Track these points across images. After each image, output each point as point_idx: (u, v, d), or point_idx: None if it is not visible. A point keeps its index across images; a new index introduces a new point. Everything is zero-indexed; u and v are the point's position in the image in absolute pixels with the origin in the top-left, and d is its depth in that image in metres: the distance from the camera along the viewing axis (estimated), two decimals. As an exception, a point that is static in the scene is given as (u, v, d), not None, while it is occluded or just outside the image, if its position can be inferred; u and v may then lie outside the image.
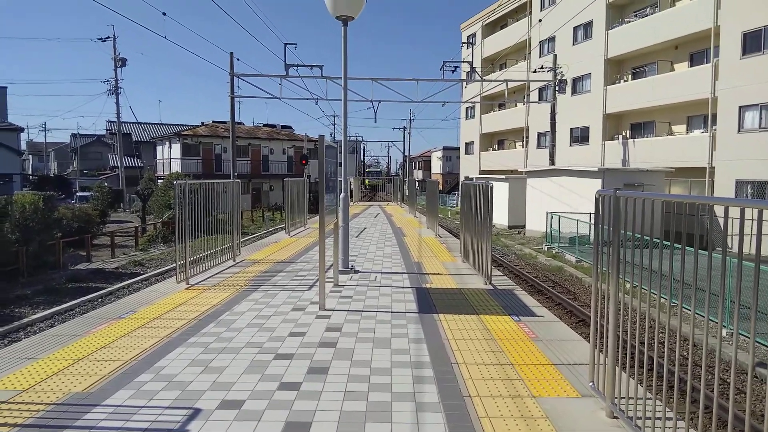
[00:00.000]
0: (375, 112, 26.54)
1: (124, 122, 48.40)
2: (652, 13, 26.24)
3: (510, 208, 27.60)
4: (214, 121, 44.94)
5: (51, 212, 17.16)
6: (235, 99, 26.07)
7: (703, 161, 22.50)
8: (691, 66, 24.38)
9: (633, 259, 3.13)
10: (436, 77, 22.57)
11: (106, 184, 37.66)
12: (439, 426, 3.26)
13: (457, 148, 53.27)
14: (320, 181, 6.18)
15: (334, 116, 61.90)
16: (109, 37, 41.18)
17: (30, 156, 66.03)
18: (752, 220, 2.69)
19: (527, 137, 36.74)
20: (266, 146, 42.97)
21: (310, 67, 21.33)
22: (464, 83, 38.31)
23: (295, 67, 21.35)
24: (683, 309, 2.87)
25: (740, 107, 20.47)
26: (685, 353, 8.51)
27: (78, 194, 39.30)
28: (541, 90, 33.14)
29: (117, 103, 42.92)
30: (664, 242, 2.97)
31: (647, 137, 26.61)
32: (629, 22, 27.32)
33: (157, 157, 43.17)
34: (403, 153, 64.72)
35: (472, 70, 23.19)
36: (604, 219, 3.37)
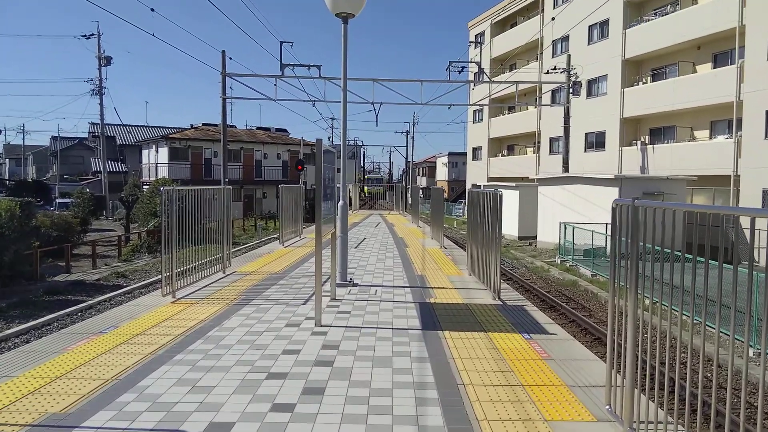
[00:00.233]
0: (376, 115, 26.67)
1: (108, 124, 48.62)
2: (672, 11, 26.42)
3: (520, 218, 27.60)
4: (204, 124, 45.15)
5: (28, 220, 17.19)
6: (227, 100, 26.18)
7: (728, 169, 22.52)
8: (714, 67, 24.49)
9: (653, 273, 3.13)
10: (441, 78, 22.74)
11: (87, 190, 37.77)
12: (444, 452, 3.25)
13: (464, 154, 53.42)
14: (317, 188, 6.20)
15: (333, 119, 62.22)
16: (93, 34, 41.52)
17: (7, 160, 66.34)
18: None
19: (539, 142, 36.83)
20: (260, 150, 43.13)
21: (307, 66, 21.46)
22: (472, 85, 38.57)
23: (292, 67, 21.49)
24: (707, 327, 2.86)
25: (767, 112, 20.54)
26: (709, 374, 8.46)
27: (57, 200, 39.40)
28: (553, 92, 33.27)
29: (101, 104, 43.23)
30: (686, 255, 2.97)
31: (668, 143, 26.67)
32: (648, 20, 27.50)
33: (143, 162, 43.32)
34: (406, 158, 64.87)
35: (480, 70, 23.31)
36: (621, 230, 3.37)
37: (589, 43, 31.03)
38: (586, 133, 31.12)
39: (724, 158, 22.80)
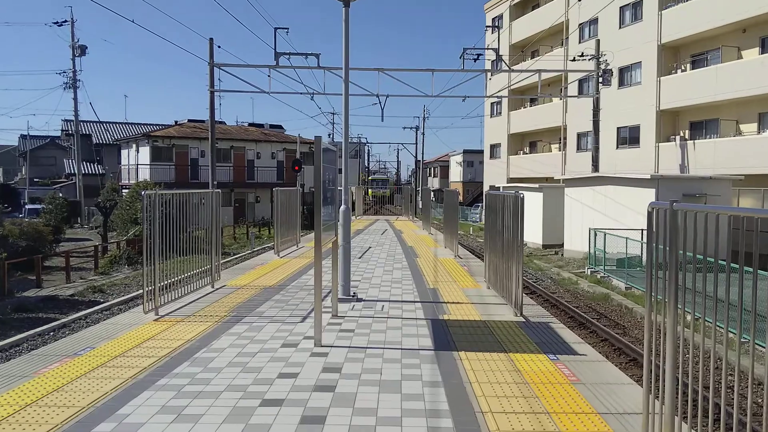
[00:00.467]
0: (382, 109, 26.73)
1: (83, 121, 48.99)
2: (714, -10, 26.37)
3: (545, 224, 27.52)
4: (189, 120, 45.41)
5: (-5, 228, 17.32)
6: (216, 94, 26.31)
7: (779, 167, 22.38)
8: (762, 53, 24.39)
9: (694, 285, 3.11)
10: (454, 67, 22.77)
11: (60, 194, 38.03)
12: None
13: (481, 152, 53.43)
14: (316, 191, 6.22)
15: (333, 113, 62.43)
16: (66, 21, 41.93)
17: (-29, 161, 66.90)
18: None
19: (565, 138, 36.79)
20: (252, 149, 43.32)
21: (304, 55, 21.54)
22: (489, 74, 38.57)
23: (287, 56, 21.58)
24: (756, 345, 2.84)
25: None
26: (759, 400, 8.39)
27: (27, 207, 39.68)
28: (581, 82, 33.25)
29: (75, 99, 43.54)
30: (732, 265, 2.96)
31: (710, 138, 26.56)
32: (687, 0, 27.47)
33: (122, 163, 43.60)
34: (416, 157, 65.00)
35: (498, 58, 23.33)
36: (658, 237, 3.36)
37: (620, 27, 31.01)
38: (618, 128, 31.05)
39: (775, 155, 22.67)
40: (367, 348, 5.98)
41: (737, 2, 24.59)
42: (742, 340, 9.18)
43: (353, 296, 8.50)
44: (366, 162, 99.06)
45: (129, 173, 40.93)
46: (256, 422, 4.11)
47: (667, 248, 3.30)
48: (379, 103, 23.97)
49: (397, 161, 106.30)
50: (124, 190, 36.05)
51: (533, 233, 27.46)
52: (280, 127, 54.01)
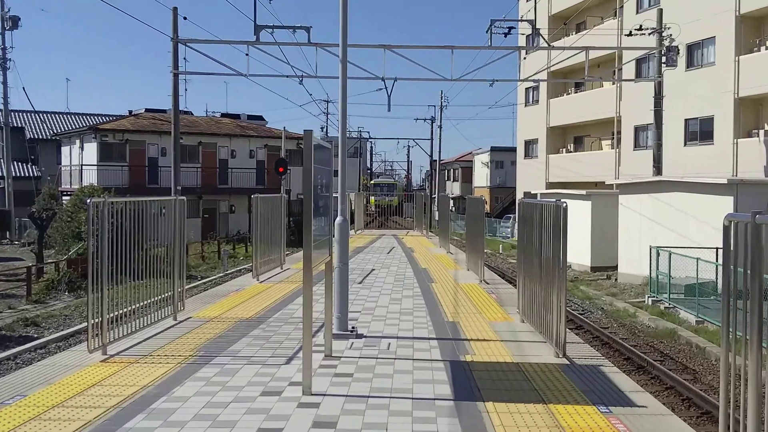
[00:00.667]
0: (388, 96, 26.77)
1: (14, 111, 49.29)
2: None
3: (594, 241, 27.44)
4: (147, 110, 45.70)
5: None
6: (180, 76, 26.46)
7: None
8: None
9: (783, 318, 3.09)
10: (479, 44, 22.83)
11: (-15, 202, 38.22)
12: None
13: (513, 149, 53.47)
14: (306, 199, 6.23)
15: (328, 101, 62.71)
16: (-5, -13, 42.32)
17: None
18: None
19: (619, 133, 36.78)
20: (225, 146, 43.53)
21: (291, 29, 21.70)
22: (523, 53, 38.64)
23: (270, 30, 21.73)
24: None
25: None
26: None
27: (-57, 218, 39.89)
28: (639, 62, 33.30)
29: (4, 83, 43.87)
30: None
31: (803, 132, 26.48)
32: (771, -41, 27.52)
33: (63, 163, 43.83)
34: (431, 156, 65.14)
35: (535, 32, 23.41)
36: (737, 257, 3.35)
37: (688, -7, 31.09)
38: (686, 120, 31.03)
39: None
40: (369, 397, 5.95)
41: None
42: None
43: (352, 331, 8.48)
44: (368, 162, 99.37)
45: (71, 176, 41.12)
46: (229, 491, 4.10)
47: (749, 272, 3.28)
48: (385, 88, 24.08)
49: (408, 161, 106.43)
50: (64, 197, 36.18)
51: (579, 252, 27.37)
52: (261, 118, 54.21)
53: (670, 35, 25.84)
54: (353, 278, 13.64)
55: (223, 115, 51.75)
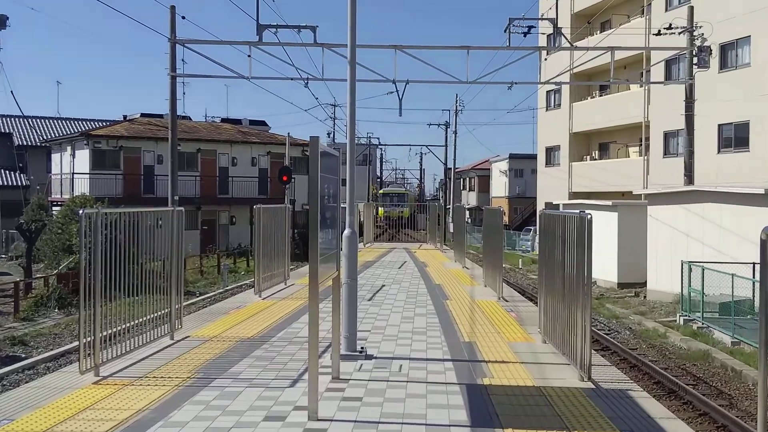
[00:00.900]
0: (400, 100, 26.71)
1: (1, 116, 49.74)
2: None
3: (620, 255, 27.32)
4: (143, 115, 45.97)
5: None
6: (179, 79, 26.60)
7: None
8: None
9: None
10: (497, 44, 22.87)
11: (-29, 213, 38.44)
12: None
13: (533, 157, 53.41)
14: (312, 210, 6.24)
15: (335, 106, 62.99)
16: (-16, -15, 42.73)
17: None
18: None
19: (647, 139, 36.69)
20: (226, 153, 43.70)
21: (296, 29, 21.77)
22: (544, 53, 38.72)
23: (274, 30, 21.84)
24: None
25: None
26: None
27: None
28: (669, 63, 33.25)
29: (-7, 87, 44.24)
30: None
31: None
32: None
33: (53, 171, 44.12)
34: (445, 164, 65.20)
35: (557, 31, 23.44)
36: (777, 274, 3.32)
37: (721, -11, 31.04)
38: (719, 125, 30.90)
39: None
40: (379, 423, 5.93)
41: None
42: None
43: (361, 352, 8.47)
44: (378, 170, 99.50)
45: (62, 185, 41.37)
46: None
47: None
48: (397, 92, 24.10)
49: (420, 169, 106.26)
50: (55, 208, 36.37)
51: (605, 267, 27.26)
52: (264, 123, 54.43)
53: (702, 34, 25.78)
54: (362, 295, 13.64)
55: (224, 120, 52.00)
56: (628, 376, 9.33)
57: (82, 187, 37.69)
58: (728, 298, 18.72)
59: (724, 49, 30.61)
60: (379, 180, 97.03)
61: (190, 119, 48.21)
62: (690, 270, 20.09)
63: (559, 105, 45.42)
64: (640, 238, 26.21)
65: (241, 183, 43.03)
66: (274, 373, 7.65)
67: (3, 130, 49.26)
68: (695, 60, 25.78)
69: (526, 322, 10.95)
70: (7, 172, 47.67)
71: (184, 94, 42.82)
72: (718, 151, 31.05)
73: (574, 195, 41.26)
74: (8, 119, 51.69)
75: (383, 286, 15.95)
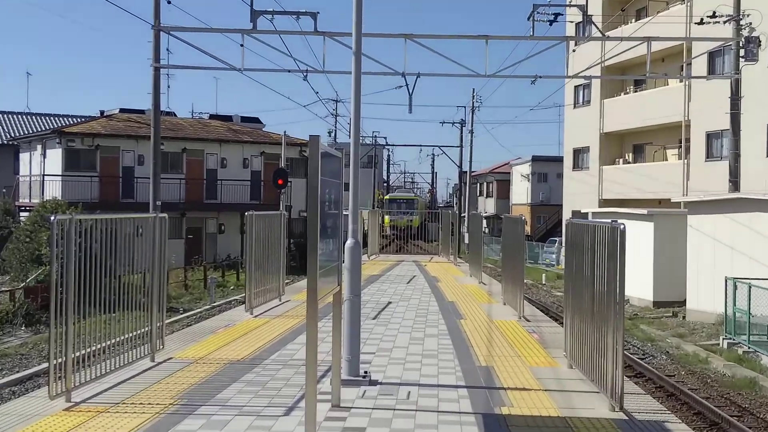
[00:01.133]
0: (410, 95, 26.71)
1: (-34, 110, 49.76)
2: None
3: (657, 270, 27.23)
4: (122, 110, 46.08)
5: None
6: (163, 71, 26.67)
7: None
8: None
9: None
10: (519, 33, 22.78)
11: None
12: None
13: (559, 160, 53.32)
14: (311, 218, 6.25)
15: (337, 101, 62.87)
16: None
17: None
18: None
19: (687, 140, 36.60)
20: (214, 154, 43.75)
21: (295, 15, 21.82)
22: (572, 44, 38.66)
23: (269, 16, 21.89)
24: None
25: None
26: None
27: None
28: (712, 56, 33.17)
29: (-44, 78, 44.38)
30: None
31: None
32: None
33: (21, 172, 44.24)
34: (460, 167, 65.15)
35: (587, 19, 23.40)
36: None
37: (771, -27, 31.01)
38: (769, 125, 30.83)
39: None
40: (384, 457, 5.92)
41: None
42: None
43: (364, 377, 8.46)
44: (385, 173, 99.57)
45: (31, 188, 41.44)
46: None
47: None
48: (407, 85, 24.13)
49: (432, 173, 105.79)
50: (22, 213, 36.48)
51: (639, 284, 27.18)
52: (257, 120, 54.53)
53: (750, 24, 25.75)
54: (366, 313, 13.62)
55: (212, 116, 52.04)
56: (664, 406, 9.30)
57: (54, 190, 37.77)
58: (778, 320, 18.67)
59: (775, 39, 30.54)
60: (385, 184, 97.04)
61: (175, 115, 48.25)
62: (735, 287, 20.01)
63: (589, 102, 45.35)
64: (678, 252, 26.11)
65: (231, 187, 43.05)
66: (267, 400, 7.65)
67: (-35, 127, 49.40)
68: (742, 52, 25.73)
69: (550, 345, 10.92)
70: (-30, 173, 47.81)
71: (168, 87, 42.88)
72: (768, 155, 30.96)
73: (604, 202, 41.15)
74: (-29, 114, 51.91)
75: (390, 303, 15.93)
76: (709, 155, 35.07)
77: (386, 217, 57.20)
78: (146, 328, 9.34)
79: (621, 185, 41.33)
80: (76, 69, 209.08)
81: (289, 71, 24.32)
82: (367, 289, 18.12)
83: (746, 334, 19.21)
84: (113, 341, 8.49)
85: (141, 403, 7.44)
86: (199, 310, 24.51)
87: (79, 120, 48.76)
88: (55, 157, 39.73)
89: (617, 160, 43.71)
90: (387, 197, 75.53)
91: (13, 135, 49.74)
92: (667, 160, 39.69)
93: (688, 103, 36.56)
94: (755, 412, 13.98)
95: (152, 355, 9.44)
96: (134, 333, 9.02)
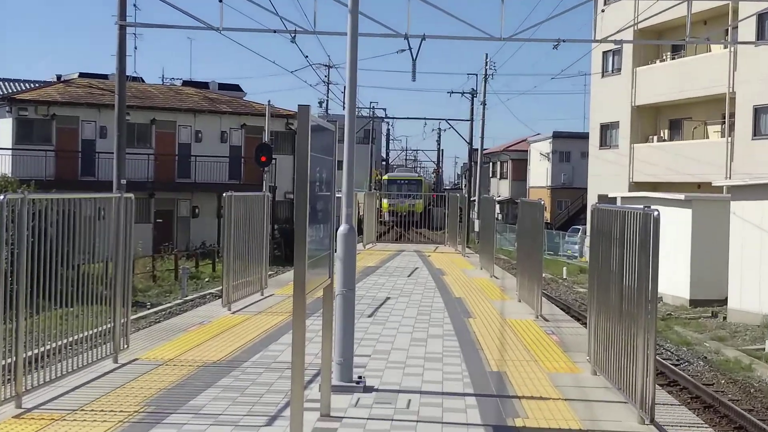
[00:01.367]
0: (414, 61, 26.62)
1: None
2: None
3: (694, 264, 27.21)
4: (82, 75, 46.01)
5: None
6: (129, 31, 26.53)
7: None
8: None
9: None
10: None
11: None
12: None
13: (583, 136, 53.25)
14: (299, 200, 6.24)
15: (330, 67, 62.66)
16: None
17: None
18: None
19: (732, 115, 36.55)
20: (188, 126, 43.67)
21: (281, -35, 21.76)
22: (600, 2, 38.61)
23: (253, -33, 21.83)
24: None
25: None
26: None
27: None
28: (761, 18, 33.07)
29: None
30: None
31: None
32: None
33: (-34, 145, 44.16)
34: (470, 144, 65.09)
35: (617, -26, 23.29)
36: None
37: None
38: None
39: None
40: (380, 474, 5.94)
41: None
42: None
43: (358, 383, 8.46)
44: (384, 150, 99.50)
45: (-23, 163, 41.37)
46: None
47: None
48: (410, 50, 24.04)
49: (438, 150, 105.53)
50: (-34, 193, 36.36)
51: (674, 280, 27.21)
52: (237, 88, 54.52)
53: (805, -19, 25.68)
54: (361, 310, 13.63)
55: (186, 83, 51.99)
56: (701, 419, 9.33)
57: (3, 166, 37.64)
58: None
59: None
60: (384, 163, 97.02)
61: (143, 81, 48.18)
62: (784, 285, 20.06)
63: (619, 70, 45.20)
64: (720, 243, 26.09)
65: (207, 164, 42.93)
66: (247, 408, 7.65)
67: None
68: (796, 14, 25.68)
69: (572, 348, 10.93)
70: None
71: (135, 49, 42.41)
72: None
73: (635, 186, 41.11)
74: None
75: (388, 298, 15.95)
76: (757, 132, 35.02)
77: (385, 201, 57.16)
78: (108, 325, 9.34)
79: (654, 166, 41.28)
80: (29, 27, 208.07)
81: (275, 31, 24.19)
82: (362, 283, 18.13)
83: (796, 338, 19.27)
84: (70, 339, 8.49)
85: (102, 410, 7.44)
86: (169, 304, 24.51)
87: (32, 86, 48.52)
88: (4, 128, 39.62)
89: (651, 137, 43.64)
90: (386, 177, 75.55)
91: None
92: (707, 137, 39.61)
93: (733, 73, 36.44)
94: (805, 427, 14.02)
95: (115, 356, 9.43)
96: (95, 330, 9.02)
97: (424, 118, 79.08)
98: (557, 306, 18.65)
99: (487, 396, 8.32)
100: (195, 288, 28.94)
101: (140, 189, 34.89)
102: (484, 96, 60.58)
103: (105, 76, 43.39)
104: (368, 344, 10.98)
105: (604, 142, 46.84)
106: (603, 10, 41.72)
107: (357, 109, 8.67)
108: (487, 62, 59.75)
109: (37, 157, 38.16)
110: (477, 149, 62.84)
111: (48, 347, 8.07)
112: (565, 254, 48.02)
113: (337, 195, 8.14)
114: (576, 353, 10.53)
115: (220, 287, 14.91)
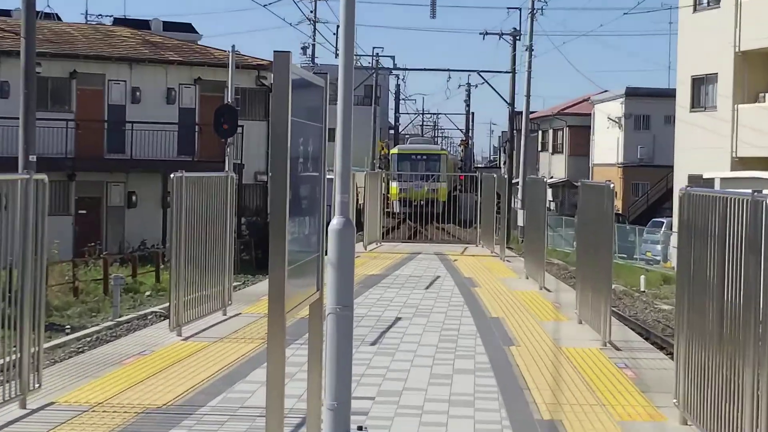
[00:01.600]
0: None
1: None
2: None
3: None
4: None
5: None
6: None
7: None
8: None
9: None
10: None
11: None
12: None
13: (668, 94, 53.19)
14: (275, 183, 6.24)
15: (317, 0, 62.78)
16: None
17: None
18: None
19: None
20: (121, 81, 43.67)
21: None
22: None
23: None
24: None
25: None
26: None
27: None
28: None
29: None
30: None
31: None
32: None
33: None
34: (511, 106, 65.01)
35: None
36: None
37: None
38: None
39: None
40: None
41: None
42: None
43: (358, 434, 8.50)
44: (392, 113, 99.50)
45: None
46: None
47: None
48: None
49: (467, 113, 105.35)
50: None
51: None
52: (190, 29, 54.54)
53: None
54: (362, 334, 13.71)
55: (118, 21, 52.03)
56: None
57: None
58: None
59: None
60: (393, 131, 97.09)
61: (59, 19, 48.25)
62: None
63: (718, 2, 45.22)
64: None
65: (147, 134, 42.90)
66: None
67: None
68: None
69: (653, 387, 10.95)
70: None
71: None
72: None
73: (740, 163, 41.17)
74: None
75: (399, 319, 16.00)
76: None
77: (394, 185, 57.07)
78: (13, 356, 9.33)
79: (767, 135, 41.31)
80: None
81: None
82: (363, 298, 18.21)
83: None
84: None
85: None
86: (96, 328, 24.56)
87: None
88: None
89: (762, 95, 43.61)
90: (395, 151, 74.85)
91: None
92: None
93: None
94: None
95: (23, 399, 9.42)
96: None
97: (448, 69, 78.38)
98: (632, 329, 18.66)
99: (537, 455, 8.36)
100: (132, 305, 29.00)
101: (56, 168, 35.06)
102: (531, 38, 60.53)
103: (8, 12, 43.47)
104: (371, 382, 11.00)
105: (697, 103, 46.79)
106: None
107: (356, 58, 8.64)
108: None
109: None
110: (520, 112, 62.81)
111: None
112: (643, 257, 47.98)
113: (328, 176, 8.15)
114: (658, 393, 10.54)
115: (167, 304, 14.93)
